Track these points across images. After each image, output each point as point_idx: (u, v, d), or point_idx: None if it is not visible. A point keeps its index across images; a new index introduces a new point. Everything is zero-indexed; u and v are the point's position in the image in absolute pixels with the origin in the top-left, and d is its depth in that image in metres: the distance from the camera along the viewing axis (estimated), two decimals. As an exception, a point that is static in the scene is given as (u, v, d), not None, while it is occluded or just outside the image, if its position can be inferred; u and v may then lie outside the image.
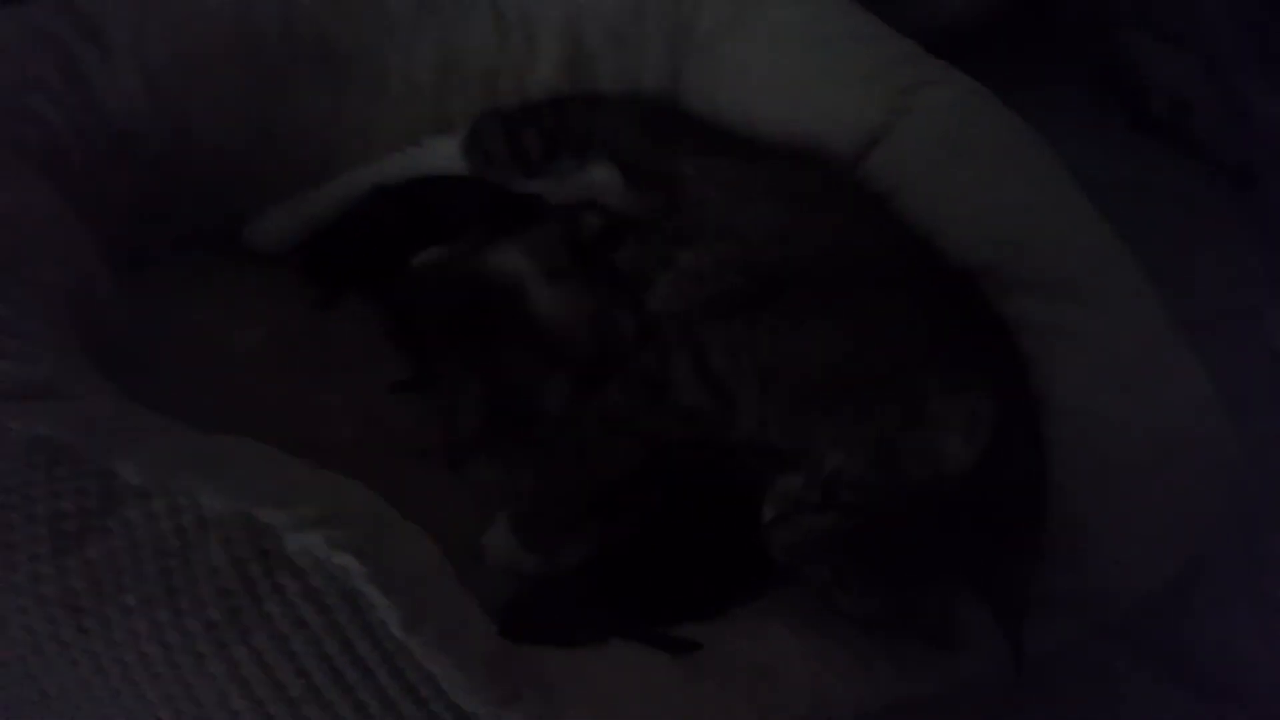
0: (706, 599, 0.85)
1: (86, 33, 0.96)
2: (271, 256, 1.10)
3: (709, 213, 1.03)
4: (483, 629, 0.67)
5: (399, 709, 0.61)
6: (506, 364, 0.99)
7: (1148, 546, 0.81)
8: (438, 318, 1.01)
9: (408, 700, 0.61)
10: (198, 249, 1.07)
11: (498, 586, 0.82)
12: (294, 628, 0.59)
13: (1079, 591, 0.80)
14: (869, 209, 1.04)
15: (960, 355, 0.87)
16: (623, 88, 1.22)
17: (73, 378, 0.70)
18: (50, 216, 0.82)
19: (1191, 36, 1.46)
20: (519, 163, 1.14)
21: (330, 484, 0.67)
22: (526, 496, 0.93)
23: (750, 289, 0.97)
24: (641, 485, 0.93)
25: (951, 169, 1.05)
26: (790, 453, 0.86)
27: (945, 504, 0.73)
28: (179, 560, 0.58)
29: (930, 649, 0.76)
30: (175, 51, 1.00)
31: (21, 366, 0.66)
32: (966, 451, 0.73)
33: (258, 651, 0.58)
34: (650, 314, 1.01)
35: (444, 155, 1.15)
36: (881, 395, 0.81)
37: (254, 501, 0.61)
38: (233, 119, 1.05)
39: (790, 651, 0.74)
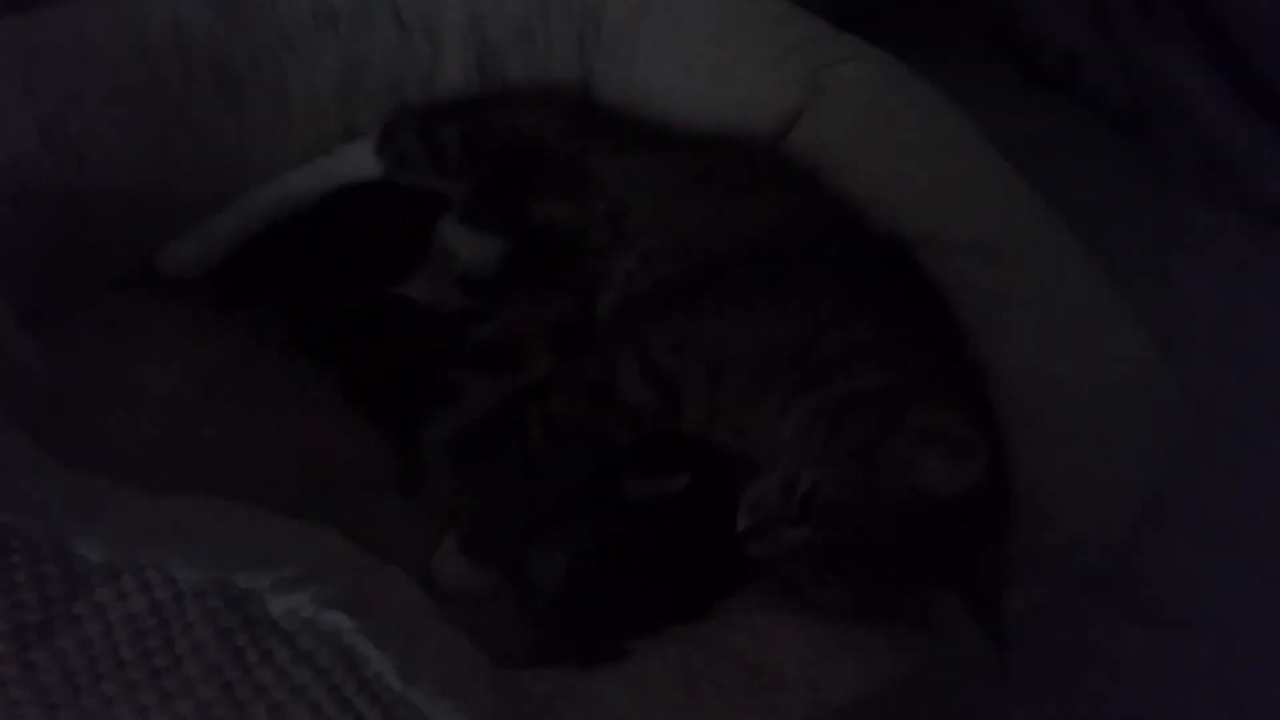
0: (686, 599, 0.85)
1: (-30, 81, 0.89)
2: (187, 286, 1.05)
3: (635, 211, 1.02)
4: (479, 666, 0.65)
5: (405, 761, 0.59)
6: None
7: (1108, 498, 0.84)
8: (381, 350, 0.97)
9: (413, 751, 0.59)
10: (116, 292, 1.01)
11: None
12: (291, 695, 0.56)
13: (1046, 553, 0.82)
14: (796, 186, 1.05)
15: (910, 334, 0.88)
16: (535, 84, 1.20)
17: (10, 451, 0.65)
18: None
19: (1076, -11, 1.49)
20: (435, 163, 1.10)
21: (304, 536, 0.64)
22: (473, 513, 0.91)
23: (685, 279, 0.96)
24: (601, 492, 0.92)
25: (872, 142, 1.06)
26: (752, 449, 0.86)
27: (923, 514, 0.74)
28: (159, 639, 0.55)
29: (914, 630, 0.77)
30: (68, 91, 0.93)
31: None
32: (952, 479, 0.73)
33: (257, 725, 0.55)
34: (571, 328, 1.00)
35: (355, 161, 1.11)
36: (848, 398, 0.81)
37: (230, 566, 0.58)
38: (134, 152, 0.99)
39: (784, 645, 0.75)
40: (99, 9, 0.99)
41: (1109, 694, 0.92)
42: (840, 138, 1.07)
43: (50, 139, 0.94)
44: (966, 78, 1.16)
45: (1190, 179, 1.38)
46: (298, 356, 1.03)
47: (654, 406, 0.90)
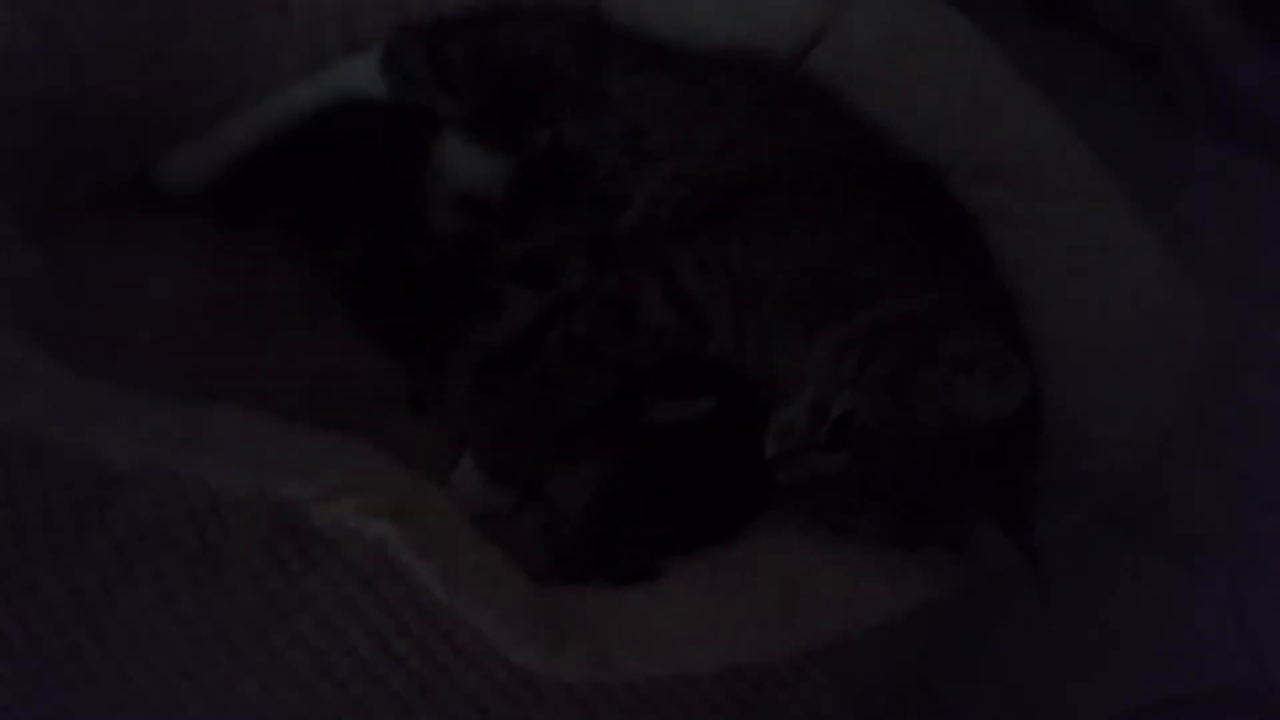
0: (712, 523, 0.84)
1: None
2: (185, 199, 1.01)
3: (651, 134, 0.98)
4: (517, 578, 0.63)
5: (451, 672, 0.57)
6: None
7: (1135, 424, 0.83)
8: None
9: (459, 661, 0.57)
10: (114, 205, 0.97)
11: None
12: (337, 605, 0.54)
13: (1075, 479, 0.82)
14: (818, 108, 1.02)
15: (940, 260, 0.86)
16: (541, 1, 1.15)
17: (26, 357, 0.62)
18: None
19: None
20: (441, 81, 1.06)
21: (342, 448, 0.62)
22: (491, 432, 0.89)
23: (709, 202, 0.94)
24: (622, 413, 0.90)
25: (896, 66, 1.04)
26: (778, 376, 0.85)
27: (960, 440, 0.72)
28: (196, 547, 0.53)
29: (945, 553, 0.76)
30: (62, -7, 0.88)
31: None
32: (992, 405, 0.72)
33: (301, 635, 0.53)
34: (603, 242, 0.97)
35: (359, 77, 1.07)
36: (879, 326, 0.79)
37: (270, 475, 0.55)
38: (132, 58, 0.94)
39: (816, 564, 0.74)
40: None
41: (1125, 621, 0.92)
42: (863, 59, 1.05)
43: (45, 44, 0.89)
44: (974, 10, 1.14)
45: (1201, 115, 1.37)
46: (301, 273, 0.99)
47: (677, 330, 0.88)
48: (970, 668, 0.84)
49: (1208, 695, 0.79)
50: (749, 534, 0.79)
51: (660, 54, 1.07)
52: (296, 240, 1.01)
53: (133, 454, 0.55)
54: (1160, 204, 1.24)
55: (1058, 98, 1.05)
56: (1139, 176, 1.15)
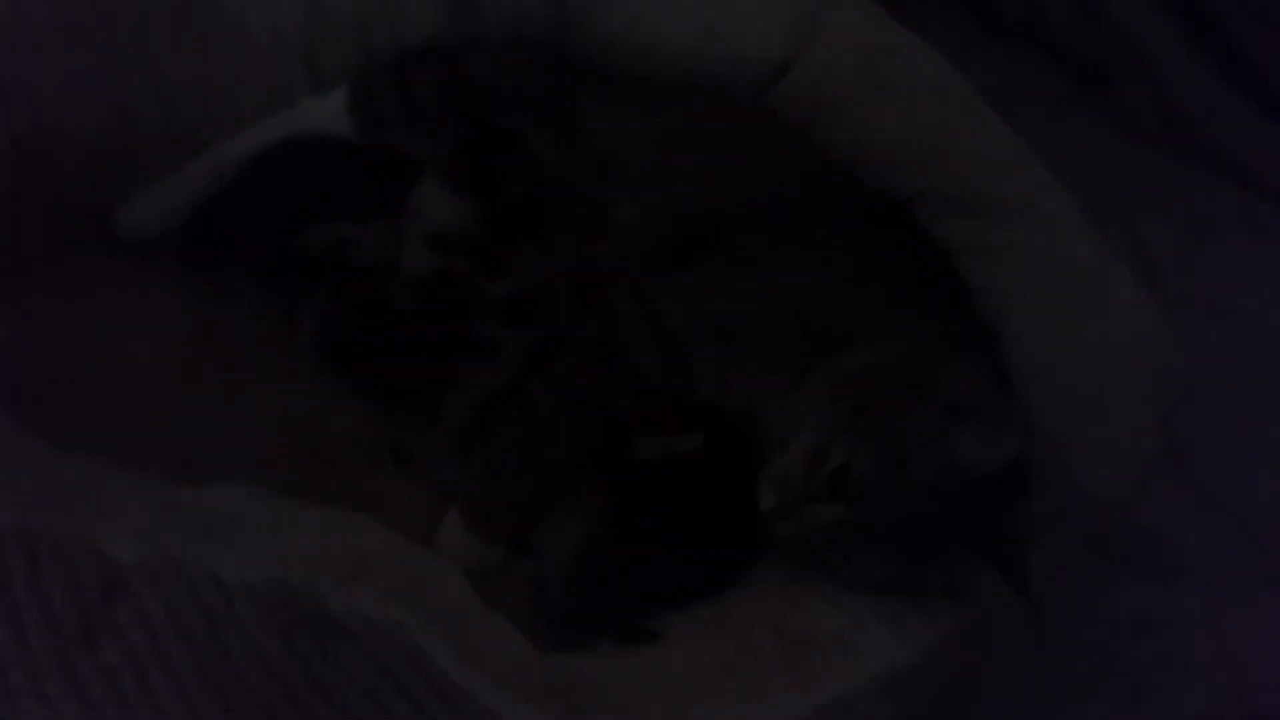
0: (703, 573, 0.83)
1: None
2: (146, 246, 0.98)
3: (628, 165, 0.98)
4: (528, 651, 0.62)
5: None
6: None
7: (1116, 454, 0.85)
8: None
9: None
10: (75, 250, 0.94)
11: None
12: (358, 695, 0.52)
13: (1057, 509, 0.83)
14: (790, 142, 1.02)
15: (922, 296, 0.87)
16: (509, 30, 1.14)
17: (5, 436, 0.59)
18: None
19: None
20: (411, 119, 1.04)
21: (345, 524, 0.60)
22: (476, 485, 0.88)
23: (689, 237, 0.93)
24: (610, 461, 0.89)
25: (864, 96, 1.03)
26: (763, 421, 0.85)
27: (958, 487, 0.73)
28: (211, 644, 0.51)
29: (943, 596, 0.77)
30: (13, 27, 0.85)
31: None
32: (989, 454, 0.72)
33: (322, 728, 0.51)
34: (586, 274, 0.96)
35: (326, 116, 1.04)
36: (868, 369, 0.79)
37: (280, 563, 0.53)
38: (88, 96, 0.91)
39: (819, 614, 0.74)
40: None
41: (1105, 646, 0.94)
42: (831, 90, 1.05)
43: (1, 88, 0.86)
44: (926, 27, 1.15)
45: (1154, 133, 1.40)
46: (270, 321, 0.97)
47: (662, 371, 0.88)
48: (962, 706, 0.85)
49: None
50: (745, 584, 0.79)
51: (631, 84, 1.06)
52: (263, 285, 0.98)
53: (136, 546, 0.53)
54: (1116, 222, 1.27)
55: (1010, 114, 1.06)
56: (1094, 195, 1.16)
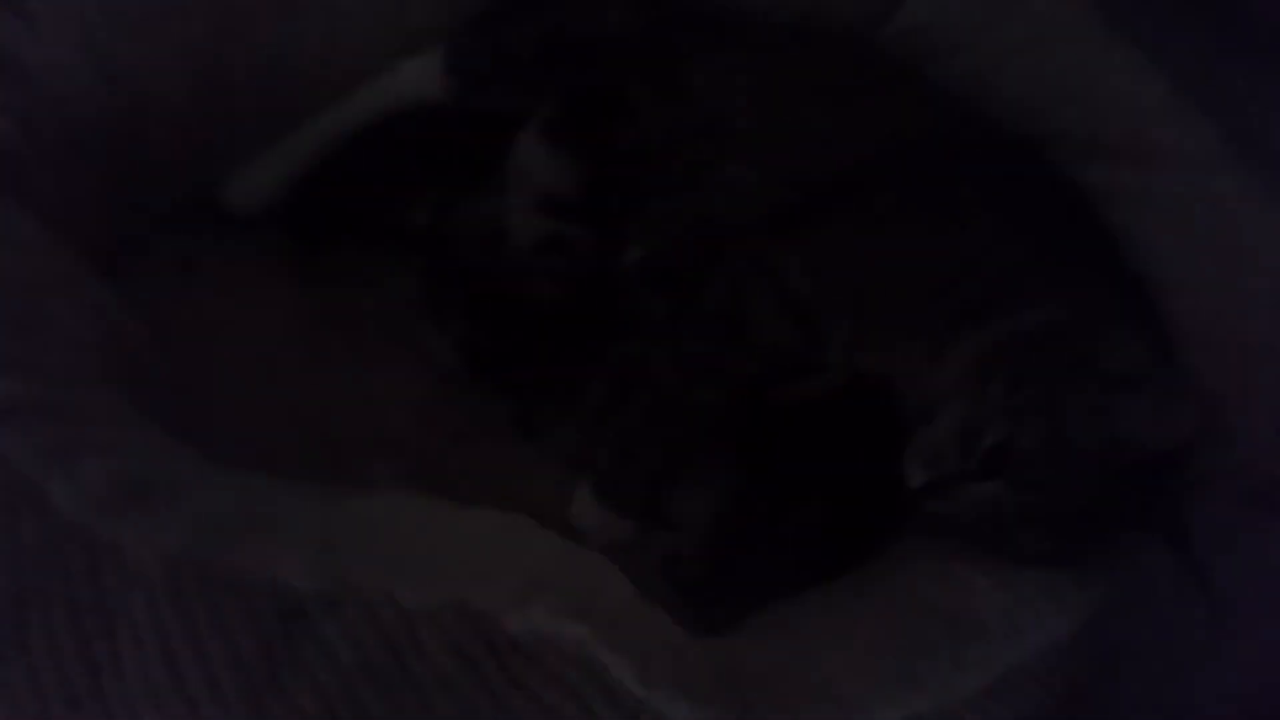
0: (844, 542, 0.81)
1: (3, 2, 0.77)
2: (253, 222, 0.96)
3: (735, 122, 0.92)
4: (696, 654, 0.61)
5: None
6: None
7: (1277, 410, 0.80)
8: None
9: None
10: (182, 229, 0.93)
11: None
12: (542, 716, 0.51)
13: (1217, 472, 0.79)
14: (911, 87, 0.96)
15: (1071, 254, 0.82)
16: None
17: (162, 458, 0.58)
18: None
19: None
20: (511, 79, 1.00)
21: (506, 529, 0.58)
22: (606, 459, 0.86)
23: (813, 197, 0.89)
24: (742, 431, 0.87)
25: (985, 30, 0.98)
26: (904, 392, 0.81)
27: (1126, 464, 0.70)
28: (396, 674, 0.50)
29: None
30: (111, 13, 0.82)
31: (118, 460, 0.54)
32: (1163, 431, 0.69)
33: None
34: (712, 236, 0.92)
35: (420, 80, 1.00)
36: (1019, 337, 0.75)
37: (455, 582, 0.52)
38: (184, 69, 0.88)
39: (979, 593, 0.72)
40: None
41: (1258, 589, 0.90)
42: (948, 25, 0.99)
43: (94, 59, 0.83)
44: None
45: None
46: (389, 290, 0.95)
47: (791, 342, 0.84)
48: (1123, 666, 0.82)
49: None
50: (896, 560, 0.77)
51: (736, 31, 1.01)
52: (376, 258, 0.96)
53: (311, 572, 0.51)
54: (1255, 141, 1.18)
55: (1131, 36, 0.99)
56: (1229, 117, 1.08)
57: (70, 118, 0.82)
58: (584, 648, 0.53)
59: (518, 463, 0.88)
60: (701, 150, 0.93)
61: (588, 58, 0.99)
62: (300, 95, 0.98)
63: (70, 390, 0.58)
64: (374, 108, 1.00)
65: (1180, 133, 0.90)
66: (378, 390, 0.88)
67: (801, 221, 0.87)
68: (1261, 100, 1.18)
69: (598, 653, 0.53)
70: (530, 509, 0.79)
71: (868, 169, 0.88)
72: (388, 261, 0.96)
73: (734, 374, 0.85)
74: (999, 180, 0.87)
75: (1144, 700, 0.83)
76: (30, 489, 0.52)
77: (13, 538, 0.51)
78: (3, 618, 0.50)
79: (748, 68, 0.95)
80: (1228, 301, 0.82)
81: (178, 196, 0.93)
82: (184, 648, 0.49)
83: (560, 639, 0.52)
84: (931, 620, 0.70)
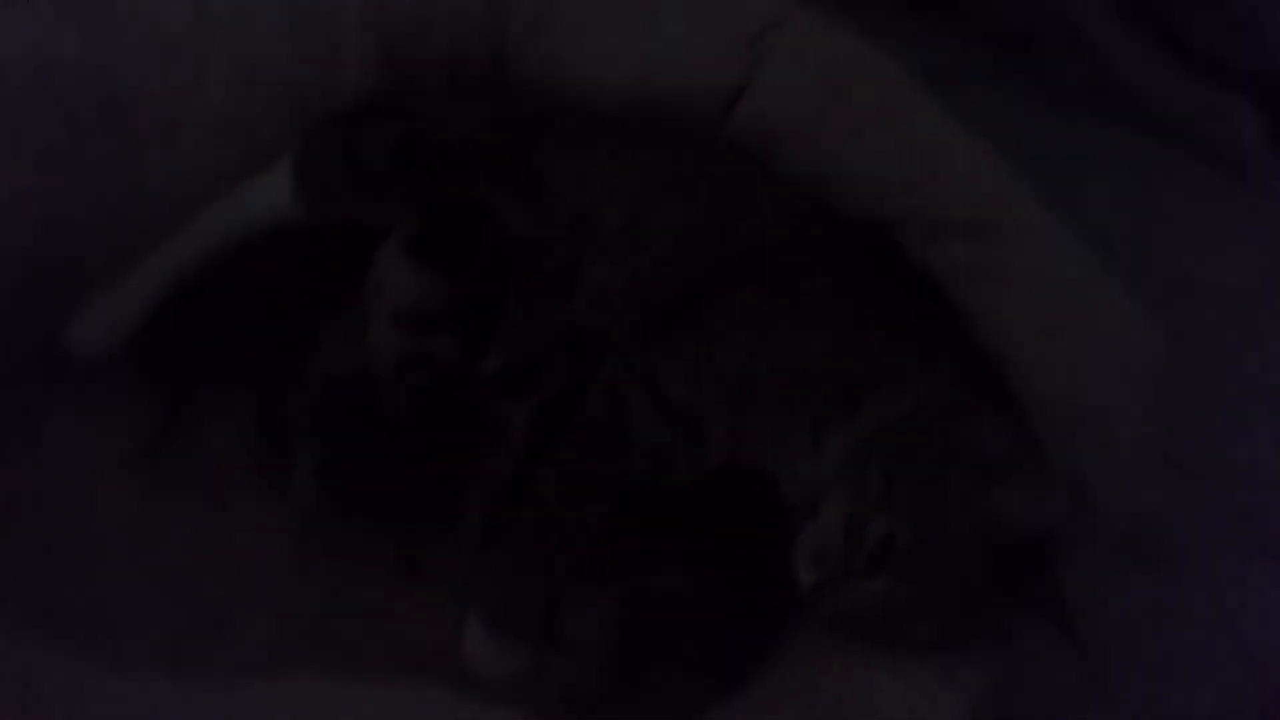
0: (743, 641, 0.83)
1: None
2: (97, 369, 0.91)
3: (600, 224, 0.94)
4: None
5: None
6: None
7: (1130, 470, 0.87)
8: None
9: None
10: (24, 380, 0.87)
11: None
12: None
13: (1091, 528, 0.85)
14: (764, 181, 0.99)
15: (929, 338, 0.86)
16: (445, 73, 1.07)
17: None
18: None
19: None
20: (363, 184, 0.98)
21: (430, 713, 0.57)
22: (492, 587, 0.85)
23: (681, 299, 0.90)
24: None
25: (821, 117, 1.01)
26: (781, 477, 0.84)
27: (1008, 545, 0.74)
28: None
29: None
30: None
31: None
32: (1037, 513, 0.73)
33: None
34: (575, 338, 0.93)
35: (270, 195, 0.98)
36: (889, 428, 0.78)
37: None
38: (32, 219, 0.85)
39: (877, 685, 0.75)
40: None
41: (1121, 638, 0.96)
42: (790, 116, 1.01)
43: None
44: (848, 10, 1.12)
45: (1086, 100, 1.41)
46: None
47: (673, 444, 0.85)
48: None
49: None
50: (796, 658, 0.79)
51: (592, 129, 1.02)
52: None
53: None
54: (1062, 195, 1.27)
55: (945, 95, 1.04)
56: (1038, 169, 1.16)
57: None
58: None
59: (399, 606, 0.86)
60: (568, 252, 0.94)
61: (443, 162, 0.99)
62: (145, 224, 0.94)
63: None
64: (223, 232, 0.96)
65: (1017, 210, 0.95)
66: (243, 541, 0.84)
67: (671, 324, 0.89)
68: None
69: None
70: (420, 655, 0.79)
71: (727, 267, 0.90)
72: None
73: (617, 483, 0.86)
74: (853, 269, 0.91)
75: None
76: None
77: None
78: None
79: (606, 167, 0.97)
80: (1068, 370, 0.88)
81: (18, 349, 0.88)
82: None
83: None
84: (830, 708, 0.72)
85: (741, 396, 0.85)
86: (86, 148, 0.89)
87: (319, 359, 0.94)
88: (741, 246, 0.92)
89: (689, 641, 0.84)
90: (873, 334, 0.86)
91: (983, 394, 0.83)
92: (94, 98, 0.89)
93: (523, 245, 0.95)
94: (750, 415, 0.85)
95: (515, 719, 0.62)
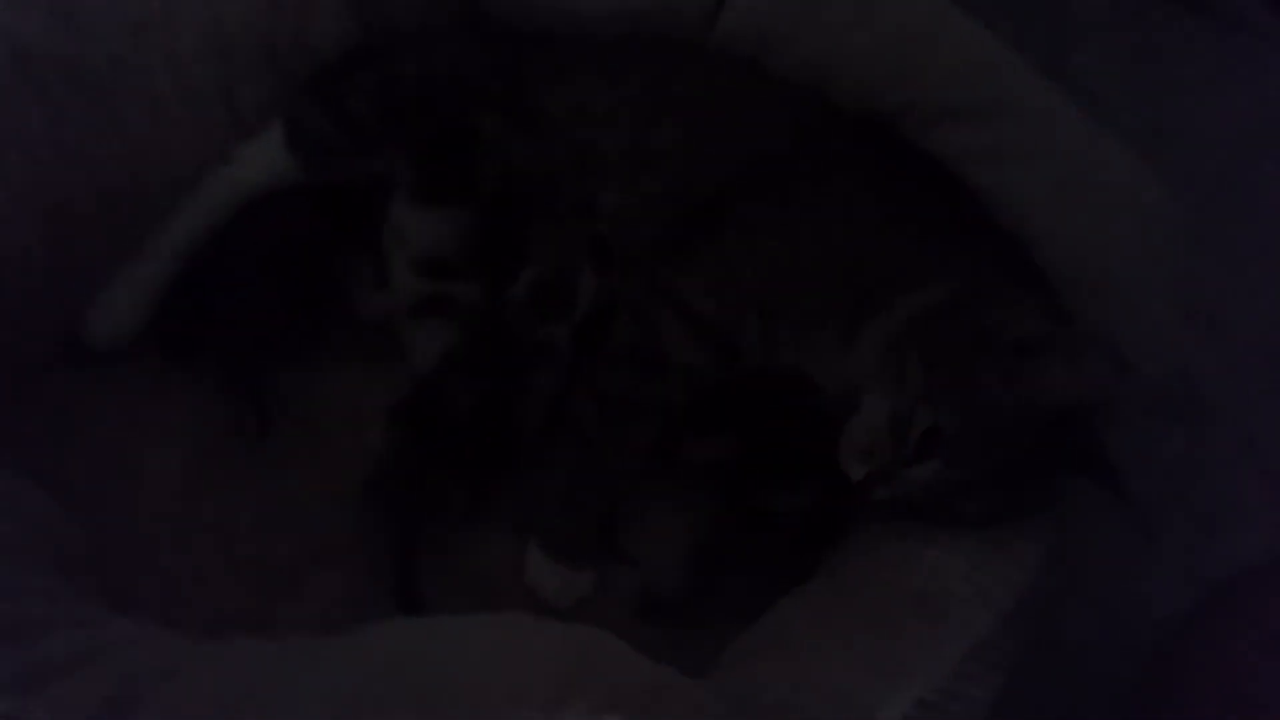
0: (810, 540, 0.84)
1: None
2: (128, 349, 0.91)
3: (604, 151, 0.93)
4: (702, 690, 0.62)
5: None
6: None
7: (1159, 325, 0.87)
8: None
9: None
10: (56, 375, 0.87)
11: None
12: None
13: (1128, 389, 0.85)
14: (761, 84, 0.97)
15: (948, 226, 0.86)
16: (419, 17, 1.05)
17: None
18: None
19: None
20: (353, 138, 0.96)
21: (511, 635, 0.59)
22: (550, 515, 0.86)
23: (694, 214, 0.90)
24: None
25: (819, 11, 0.98)
26: (825, 378, 0.84)
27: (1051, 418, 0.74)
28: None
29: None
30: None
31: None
32: (1077, 384, 0.73)
33: None
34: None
35: (266, 161, 0.96)
36: (920, 318, 0.79)
37: (489, 711, 0.51)
38: (33, 213, 0.83)
39: (940, 566, 0.76)
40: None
41: (1166, 492, 0.98)
42: (783, 10, 0.99)
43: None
44: None
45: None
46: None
47: (707, 361, 0.86)
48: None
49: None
50: (857, 549, 0.80)
51: (576, 53, 0.99)
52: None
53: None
54: (1053, 66, 1.25)
55: None
56: (1028, 43, 1.13)
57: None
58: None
59: (466, 546, 0.86)
60: (578, 183, 0.93)
61: (432, 102, 0.97)
62: (141, 207, 0.93)
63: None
64: (221, 204, 0.95)
65: (1019, 88, 0.94)
66: (303, 500, 0.84)
67: (692, 240, 0.88)
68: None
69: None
70: (491, 591, 0.80)
71: (737, 178, 0.90)
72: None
73: (657, 403, 0.86)
74: (864, 165, 0.90)
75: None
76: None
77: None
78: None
79: (601, 92, 0.95)
80: (1089, 241, 0.88)
81: (45, 345, 0.88)
82: None
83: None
84: (904, 602, 0.73)
85: (769, 304, 0.85)
86: (72, 133, 0.87)
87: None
88: (746, 153, 0.92)
89: (758, 544, 0.85)
90: (893, 228, 0.86)
91: (1010, 275, 0.83)
92: (72, 82, 0.87)
93: (533, 178, 0.94)
94: (780, 321, 0.85)
95: (592, 628, 0.61)
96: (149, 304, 0.92)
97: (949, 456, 0.75)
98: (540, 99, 0.95)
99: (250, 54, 0.97)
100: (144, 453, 0.85)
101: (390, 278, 0.96)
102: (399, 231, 0.95)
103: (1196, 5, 1.34)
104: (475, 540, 0.86)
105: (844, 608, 0.74)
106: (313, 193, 0.96)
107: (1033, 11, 1.36)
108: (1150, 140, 1.19)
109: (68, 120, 0.86)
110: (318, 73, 0.99)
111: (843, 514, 0.83)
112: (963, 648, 0.72)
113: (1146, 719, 0.81)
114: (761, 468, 0.86)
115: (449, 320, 0.94)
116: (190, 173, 0.95)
